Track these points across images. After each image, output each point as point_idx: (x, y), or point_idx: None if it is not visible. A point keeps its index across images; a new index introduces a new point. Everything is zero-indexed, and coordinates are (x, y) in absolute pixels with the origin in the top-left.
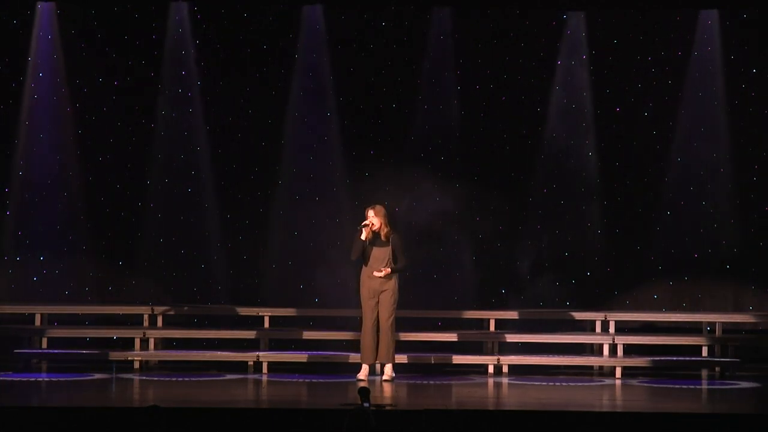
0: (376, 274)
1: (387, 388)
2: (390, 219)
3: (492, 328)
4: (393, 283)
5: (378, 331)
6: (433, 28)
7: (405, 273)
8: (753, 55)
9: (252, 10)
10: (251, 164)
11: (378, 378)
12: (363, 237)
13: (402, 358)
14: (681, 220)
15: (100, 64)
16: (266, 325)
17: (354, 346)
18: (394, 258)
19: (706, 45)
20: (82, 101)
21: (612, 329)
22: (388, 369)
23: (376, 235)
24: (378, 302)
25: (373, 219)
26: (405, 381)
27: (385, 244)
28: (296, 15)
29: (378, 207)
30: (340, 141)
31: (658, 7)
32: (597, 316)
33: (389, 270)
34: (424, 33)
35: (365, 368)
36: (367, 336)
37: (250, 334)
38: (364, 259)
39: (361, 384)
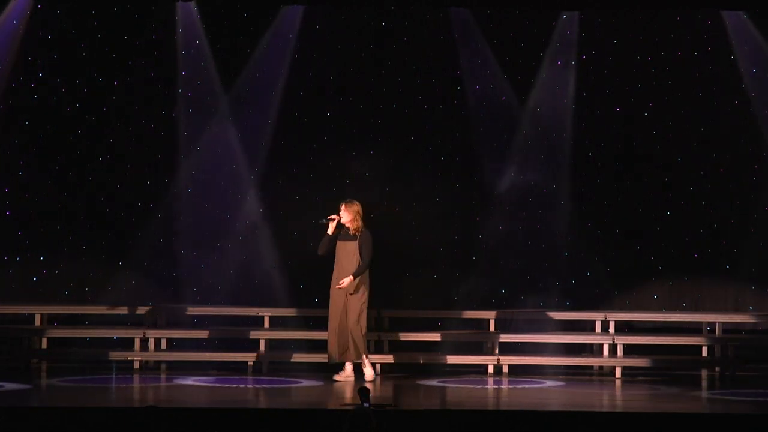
0: (336, 287)
1: (387, 389)
2: (366, 215)
3: (492, 328)
4: (360, 280)
5: (345, 330)
6: (434, 28)
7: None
8: (753, 54)
9: (252, 9)
10: (250, 165)
11: (379, 377)
12: (329, 231)
13: (405, 358)
14: (681, 220)
15: (99, 63)
16: (266, 325)
17: None
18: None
19: (706, 45)
20: (82, 101)
21: (612, 329)
22: (368, 371)
23: (345, 230)
24: (346, 301)
25: (343, 213)
26: (405, 381)
27: (354, 239)
28: (294, 14)
29: (351, 202)
30: (339, 141)
31: (658, 8)
32: (597, 316)
33: (351, 280)
34: (424, 33)
35: (347, 366)
36: (331, 335)
37: (249, 334)
38: (333, 253)
39: (338, 382)
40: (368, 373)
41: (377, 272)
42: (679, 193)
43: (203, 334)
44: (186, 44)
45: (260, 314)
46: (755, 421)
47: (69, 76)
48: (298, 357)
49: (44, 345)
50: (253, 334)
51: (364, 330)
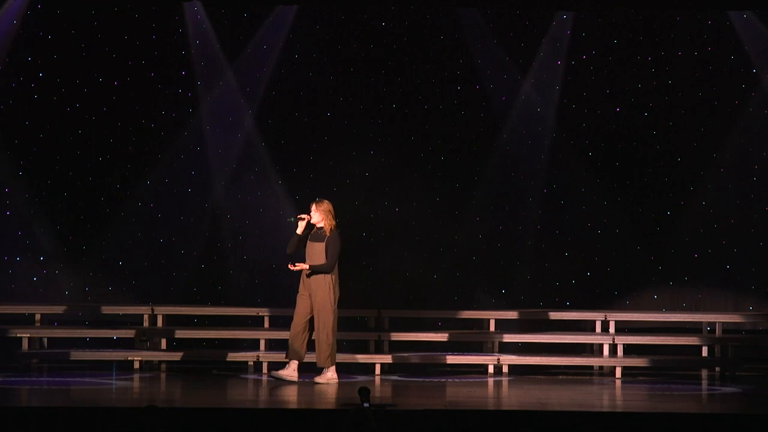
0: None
1: (387, 389)
2: (335, 215)
3: (492, 328)
4: (324, 281)
5: (311, 330)
6: (434, 28)
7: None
8: (752, 55)
9: (253, 9)
10: (250, 164)
11: (371, 378)
12: (299, 231)
13: (405, 358)
14: (681, 220)
15: (100, 64)
16: (266, 325)
17: (354, 346)
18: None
19: (706, 45)
20: (82, 101)
21: (612, 329)
22: (325, 376)
23: (316, 230)
24: (311, 300)
25: (313, 213)
26: (404, 380)
27: (323, 240)
28: (294, 14)
29: (321, 201)
30: (339, 141)
31: (658, 8)
32: (597, 316)
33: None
34: (424, 33)
35: (292, 364)
36: (293, 334)
37: (250, 334)
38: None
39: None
40: (325, 376)
41: (377, 272)
42: (679, 193)
43: (203, 334)
44: (186, 44)
45: (260, 314)
46: (755, 421)
47: (69, 76)
48: None
49: (44, 345)
50: (253, 334)
51: (330, 336)
